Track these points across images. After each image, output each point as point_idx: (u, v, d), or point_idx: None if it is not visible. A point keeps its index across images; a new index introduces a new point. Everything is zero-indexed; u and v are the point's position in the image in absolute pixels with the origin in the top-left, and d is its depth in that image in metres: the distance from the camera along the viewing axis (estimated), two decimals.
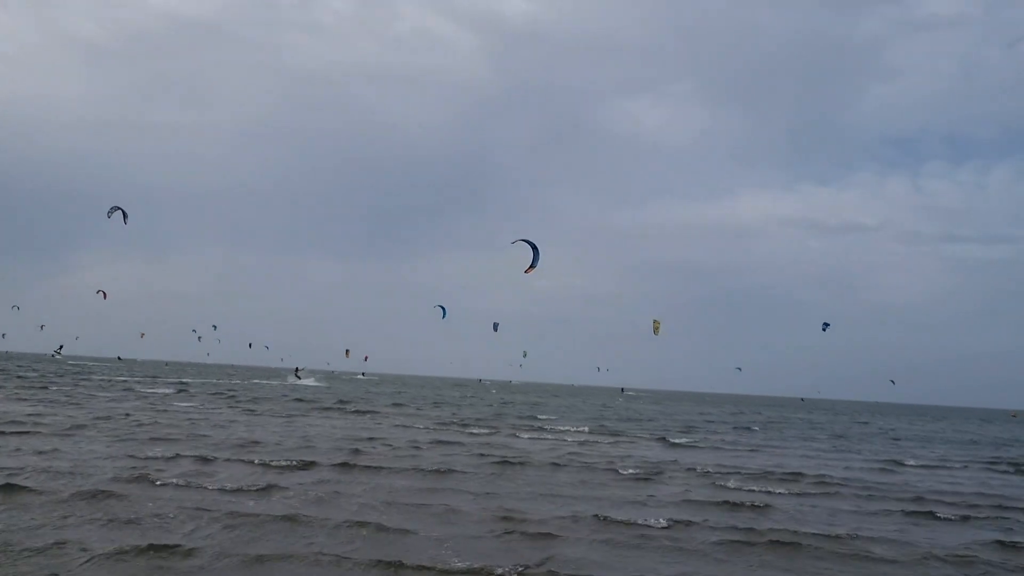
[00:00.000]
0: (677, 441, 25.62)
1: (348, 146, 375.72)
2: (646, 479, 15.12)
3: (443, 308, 52.15)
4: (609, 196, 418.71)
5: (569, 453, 19.33)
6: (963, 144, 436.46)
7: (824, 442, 30.34)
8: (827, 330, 39.32)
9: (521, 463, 16.36)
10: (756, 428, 38.29)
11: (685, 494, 13.43)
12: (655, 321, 32.12)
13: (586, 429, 29.17)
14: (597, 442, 23.58)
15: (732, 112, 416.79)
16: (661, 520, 10.66)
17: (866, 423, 55.41)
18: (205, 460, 14.09)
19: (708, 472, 16.82)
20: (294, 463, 14.39)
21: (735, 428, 36.92)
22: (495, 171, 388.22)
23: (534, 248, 26.35)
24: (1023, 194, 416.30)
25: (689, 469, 17.18)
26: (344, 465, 14.59)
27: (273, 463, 14.23)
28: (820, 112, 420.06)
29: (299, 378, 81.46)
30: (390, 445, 18.78)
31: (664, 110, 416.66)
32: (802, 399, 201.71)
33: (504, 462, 16.39)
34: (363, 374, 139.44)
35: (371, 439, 20.02)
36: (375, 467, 14.58)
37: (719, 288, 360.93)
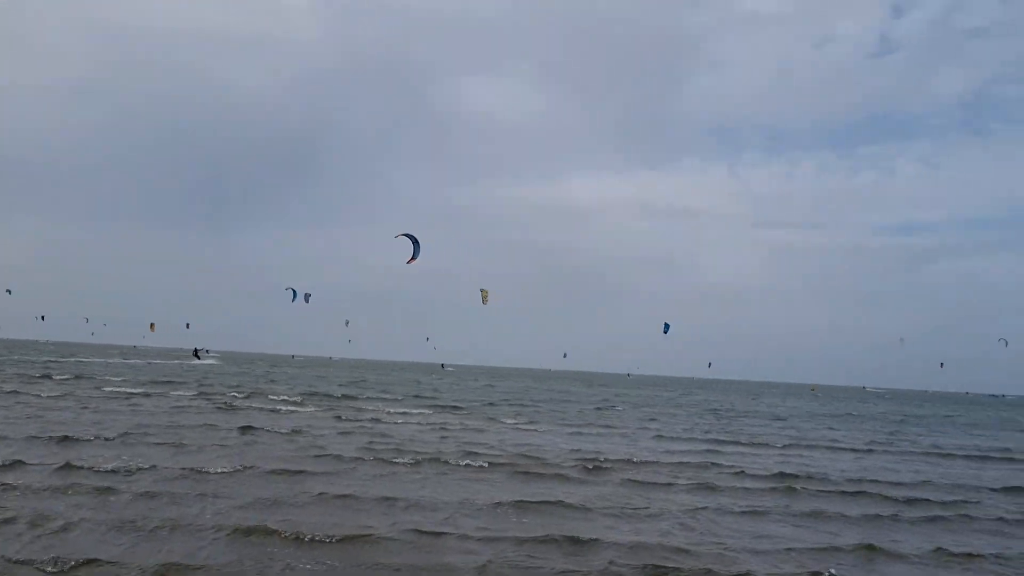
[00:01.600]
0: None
1: (176, 112, 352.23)
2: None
3: (294, 291, 51.76)
4: (446, 173, 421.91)
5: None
6: (777, 136, 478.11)
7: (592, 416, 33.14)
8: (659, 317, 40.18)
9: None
10: (539, 404, 40.76)
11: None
12: (483, 291, 33.07)
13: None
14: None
15: (568, 95, 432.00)
16: None
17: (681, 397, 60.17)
18: None
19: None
20: None
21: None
22: (332, 143, 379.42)
23: (415, 241, 28.23)
24: (828, 185, 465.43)
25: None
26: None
27: None
28: (651, 99, 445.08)
29: (199, 358, 79.50)
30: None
31: (503, 90, 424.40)
32: (628, 375, 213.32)
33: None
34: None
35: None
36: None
37: (552, 267, 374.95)
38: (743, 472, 16.99)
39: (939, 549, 10.48)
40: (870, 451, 24.43)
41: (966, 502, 14.73)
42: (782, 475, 16.75)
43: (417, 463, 15.37)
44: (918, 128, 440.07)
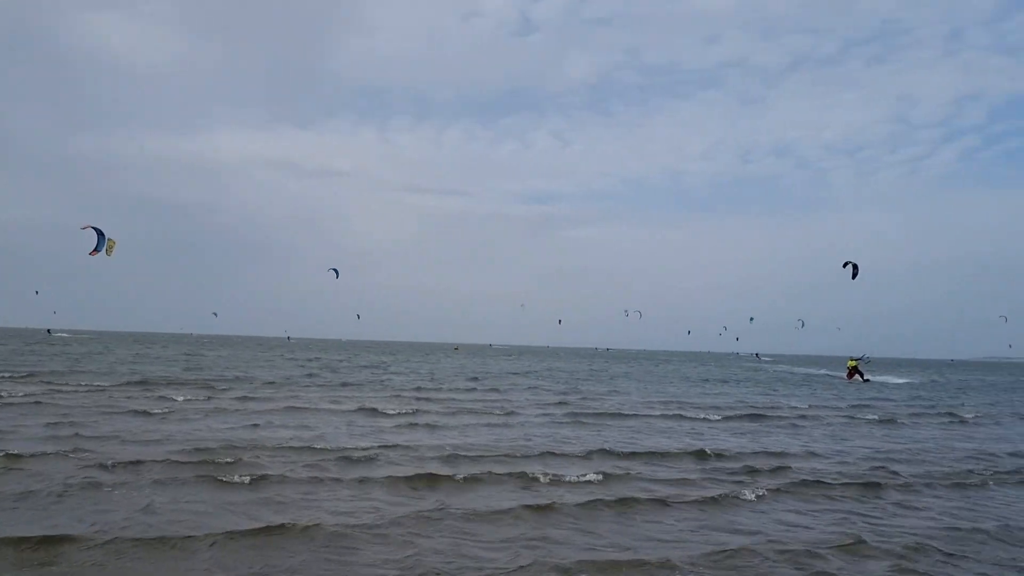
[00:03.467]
0: None
1: None
2: None
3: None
4: (69, 119, 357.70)
5: None
6: (425, 103, 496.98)
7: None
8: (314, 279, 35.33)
9: None
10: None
11: None
12: (109, 240, 28.88)
13: None
14: None
15: (213, 43, 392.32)
16: None
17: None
18: None
19: None
20: None
21: None
22: None
23: (100, 233, 27.49)
24: (473, 153, 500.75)
25: None
26: None
27: None
28: (302, 55, 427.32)
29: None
30: None
31: (137, 30, 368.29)
32: (289, 338, 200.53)
33: None
34: None
35: None
36: None
37: (193, 226, 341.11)
38: None
39: None
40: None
41: None
42: None
43: None
44: (552, 105, 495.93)
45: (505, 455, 12.83)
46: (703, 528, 8.47)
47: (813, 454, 14.59)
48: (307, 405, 20.20)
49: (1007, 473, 12.93)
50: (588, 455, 13.30)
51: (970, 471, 13.01)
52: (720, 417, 21.35)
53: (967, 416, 24.74)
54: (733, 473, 12.06)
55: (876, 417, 22.91)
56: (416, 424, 16.95)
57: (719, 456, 13.73)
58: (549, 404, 23.76)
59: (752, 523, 8.77)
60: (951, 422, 22.91)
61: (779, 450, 14.84)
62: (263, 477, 10.05)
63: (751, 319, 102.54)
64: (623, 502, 9.39)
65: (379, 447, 13.16)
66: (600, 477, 11.04)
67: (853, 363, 48.43)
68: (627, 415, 21.04)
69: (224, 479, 9.83)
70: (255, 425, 15.61)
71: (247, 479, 9.86)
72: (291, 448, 12.68)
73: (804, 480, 11.44)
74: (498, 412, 20.19)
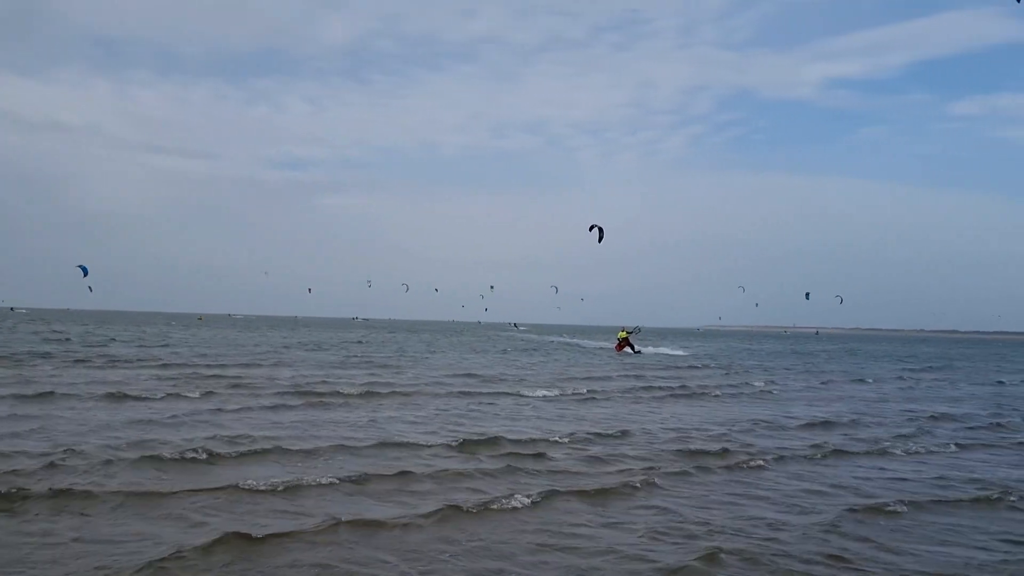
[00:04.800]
0: None
1: None
2: None
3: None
4: None
5: None
6: (169, 57, 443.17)
7: None
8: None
9: None
10: None
11: None
12: None
13: None
14: None
15: None
16: None
17: None
18: None
19: None
20: None
21: None
22: None
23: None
24: (222, 115, 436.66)
25: None
26: None
27: None
28: None
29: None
30: None
31: None
32: (12, 308, 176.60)
33: None
34: None
35: None
36: None
37: None
38: None
39: None
40: None
41: None
42: None
43: None
44: (307, 69, 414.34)
45: None
46: None
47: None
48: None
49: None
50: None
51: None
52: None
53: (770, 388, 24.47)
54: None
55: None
56: None
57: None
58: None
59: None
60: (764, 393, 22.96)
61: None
62: None
63: (491, 287, 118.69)
64: None
65: None
66: None
67: (624, 334, 46.35)
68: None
69: None
70: None
71: None
72: None
73: None
74: None
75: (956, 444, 13.47)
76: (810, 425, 15.46)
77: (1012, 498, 9.12)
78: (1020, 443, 14.14)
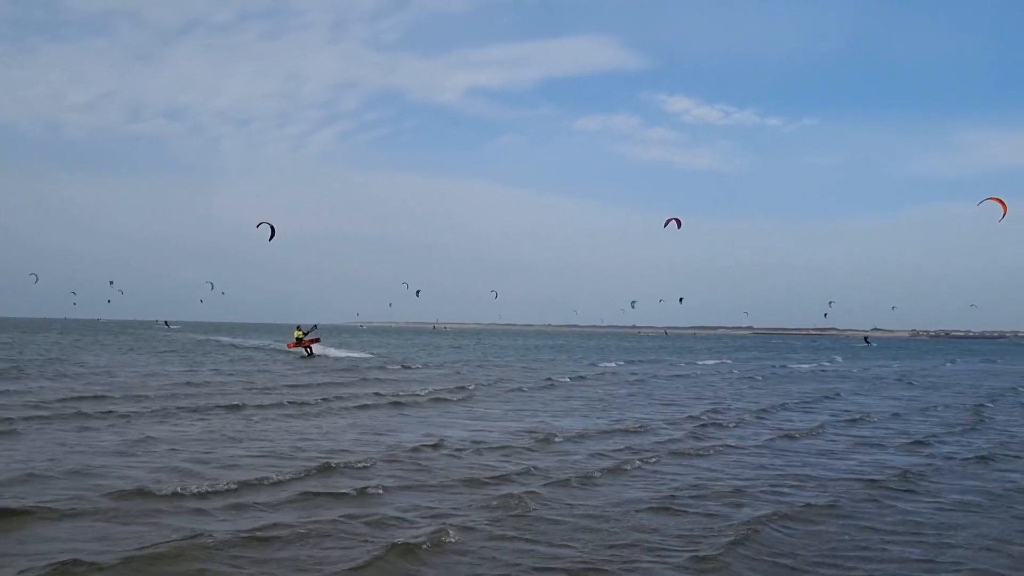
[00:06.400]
0: None
1: None
2: None
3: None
4: None
5: None
6: None
7: None
8: None
9: None
10: None
11: None
12: None
13: None
14: None
15: None
16: None
17: None
18: None
19: None
20: None
21: None
22: None
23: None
24: None
25: None
26: None
27: None
28: None
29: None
30: None
31: None
32: None
33: None
34: None
35: None
36: None
37: None
38: None
39: None
40: None
41: None
42: None
43: None
44: None
45: None
46: None
47: None
48: None
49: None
50: None
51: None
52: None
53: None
54: None
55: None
56: None
57: None
58: None
59: None
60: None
61: None
62: None
63: (111, 282, 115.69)
64: None
65: None
66: None
67: (300, 333, 43.58)
68: None
69: None
70: None
71: None
72: None
73: None
74: None
75: None
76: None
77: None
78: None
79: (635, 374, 34.28)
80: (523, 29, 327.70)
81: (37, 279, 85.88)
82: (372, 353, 48.25)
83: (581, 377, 30.96)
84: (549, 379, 28.70)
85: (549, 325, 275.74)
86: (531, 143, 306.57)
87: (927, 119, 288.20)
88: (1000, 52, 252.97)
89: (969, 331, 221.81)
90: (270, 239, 36.70)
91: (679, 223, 37.01)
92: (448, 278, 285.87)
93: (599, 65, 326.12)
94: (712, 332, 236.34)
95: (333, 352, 45.15)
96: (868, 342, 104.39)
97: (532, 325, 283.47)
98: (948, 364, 53.89)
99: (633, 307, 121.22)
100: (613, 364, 42.54)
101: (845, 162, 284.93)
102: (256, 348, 52.85)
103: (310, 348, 43.06)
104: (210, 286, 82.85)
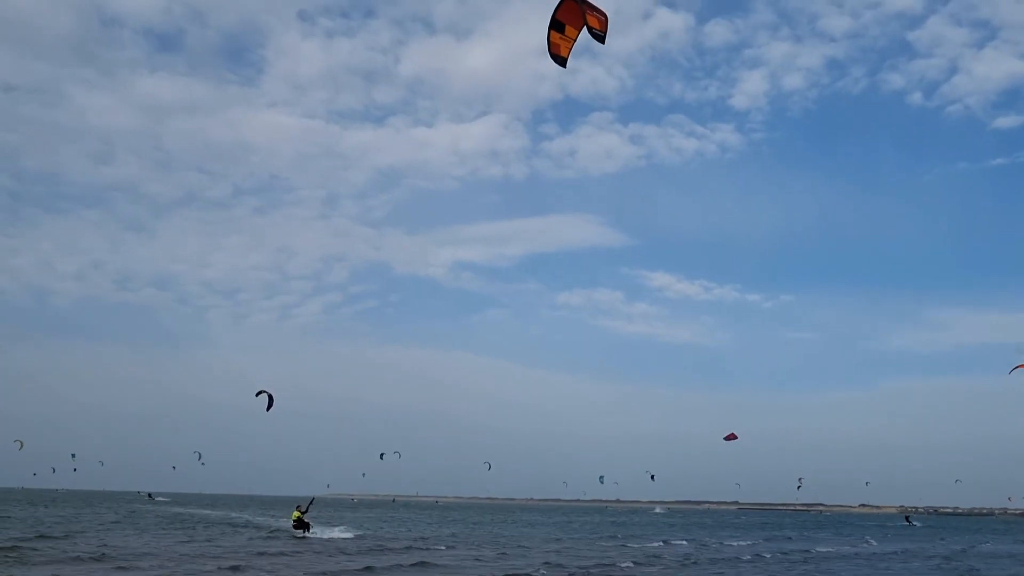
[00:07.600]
0: None
1: None
2: None
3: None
4: None
5: None
6: None
7: None
8: None
9: None
10: None
11: None
12: None
13: None
14: None
15: None
16: None
17: None
18: None
19: None
20: None
21: None
22: None
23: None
24: None
25: None
26: None
27: None
28: None
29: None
30: None
31: None
32: None
33: None
34: None
35: None
36: None
37: None
38: None
39: None
40: None
41: None
42: None
43: None
44: None
45: None
46: None
47: None
48: None
49: None
50: None
51: None
52: None
53: None
54: None
55: None
56: None
57: None
58: None
59: None
60: None
61: None
62: None
63: (72, 455, 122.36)
64: None
65: None
66: None
67: (298, 513, 38.39)
68: None
69: None
70: None
71: None
72: None
73: None
74: None
75: None
76: None
77: None
78: None
79: (689, 556, 32.51)
80: (508, 208, 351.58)
81: (22, 445, 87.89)
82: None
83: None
84: None
85: (531, 499, 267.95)
86: (515, 316, 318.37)
87: (900, 297, 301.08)
88: (962, 236, 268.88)
89: (958, 508, 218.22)
90: (268, 409, 36.38)
91: (735, 437, 39.33)
92: (431, 450, 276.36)
93: (582, 241, 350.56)
94: (696, 507, 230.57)
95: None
96: (910, 521, 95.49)
97: (514, 499, 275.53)
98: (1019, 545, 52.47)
99: (601, 482, 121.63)
100: (658, 543, 40.87)
101: (822, 337, 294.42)
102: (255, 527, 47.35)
103: (306, 527, 37.81)
104: (198, 456, 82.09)
